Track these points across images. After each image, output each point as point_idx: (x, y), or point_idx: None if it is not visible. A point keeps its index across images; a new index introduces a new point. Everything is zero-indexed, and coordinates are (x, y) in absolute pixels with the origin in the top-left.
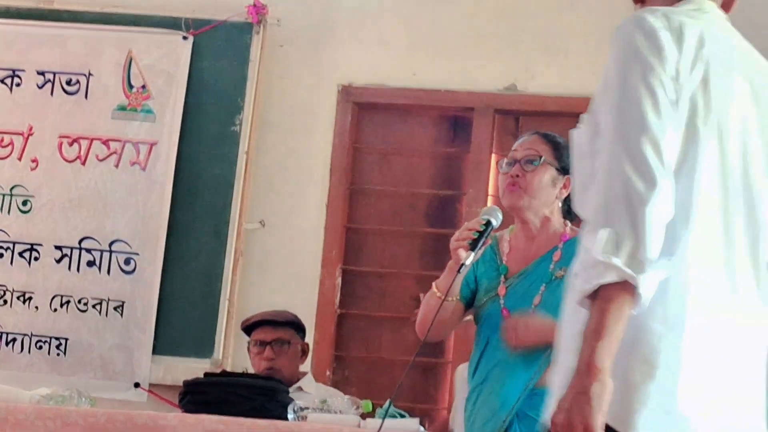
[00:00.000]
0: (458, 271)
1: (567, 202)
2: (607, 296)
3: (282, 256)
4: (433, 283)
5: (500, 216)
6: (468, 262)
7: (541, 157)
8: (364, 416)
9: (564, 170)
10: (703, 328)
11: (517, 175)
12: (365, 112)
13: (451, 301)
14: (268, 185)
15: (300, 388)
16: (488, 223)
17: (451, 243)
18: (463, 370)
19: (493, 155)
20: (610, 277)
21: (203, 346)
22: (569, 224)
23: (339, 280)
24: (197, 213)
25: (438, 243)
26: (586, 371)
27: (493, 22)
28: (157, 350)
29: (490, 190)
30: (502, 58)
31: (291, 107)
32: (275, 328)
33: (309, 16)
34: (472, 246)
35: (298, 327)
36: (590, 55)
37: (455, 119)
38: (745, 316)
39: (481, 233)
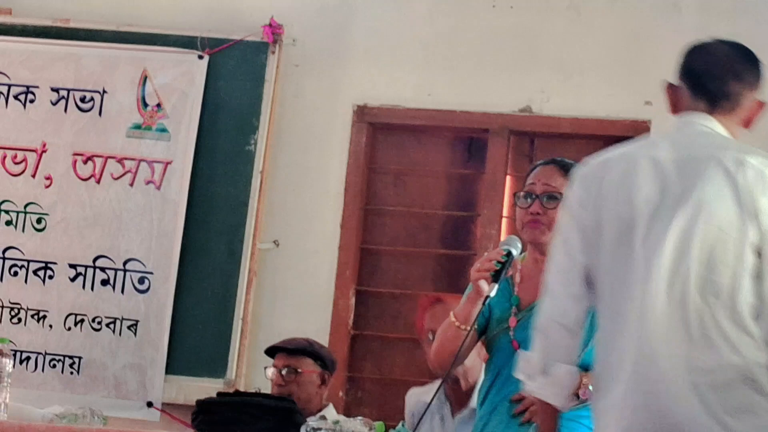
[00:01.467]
0: (484, 303)
1: None
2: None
3: (296, 276)
4: (451, 313)
5: (520, 246)
6: (492, 294)
7: (561, 194)
8: None
9: None
10: None
11: (538, 213)
12: (380, 132)
13: (470, 331)
14: (282, 205)
15: (323, 417)
16: (509, 254)
17: (472, 274)
18: (412, 394)
19: (508, 177)
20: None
21: (216, 366)
22: None
23: (353, 301)
24: (211, 232)
25: (452, 264)
26: None
27: (509, 43)
28: (170, 369)
29: (505, 212)
30: (518, 80)
31: (306, 127)
32: (288, 356)
33: (325, 37)
34: (495, 278)
35: (312, 355)
36: (605, 77)
37: (470, 140)
38: None
39: (503, 264)
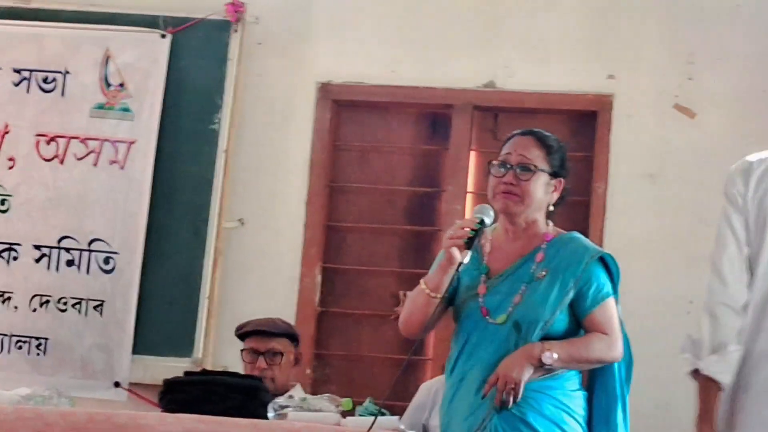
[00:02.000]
0: (457, 270)
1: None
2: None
3: (262, 255)
4: (421, 280)
5: (492, 214)
6: (466, 260)
7: (536, 165)
8: (344, 414)
9: (555, 174)
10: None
11: (512, 183)
12: (344, 109)
13: (440, 298)
14: (247, 184)
15: (291, 397)
16: (482, 222)
17: (444, 241)
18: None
19: (472, 152)
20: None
21: (183, 346)
22: (551, 224)
23: (319, 278)
24: (176, 212)
25: (417, 240)
26: None
27: (472, 19)
28: (137, 349)
29: (470, 187)
30: (481, 55)
31: (270, 105)
32: (269, 339)
33: (287, 14)
34: (468, 245)
35: (292, 337)
36: (568, 52)
37: (434, 116)
38: None
39: (476, 232)
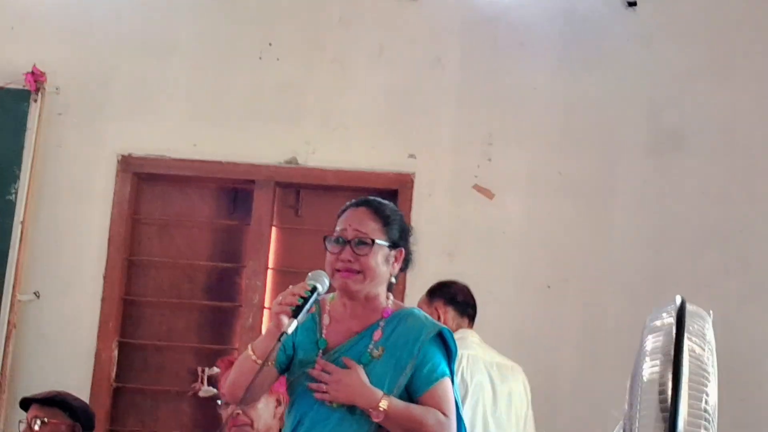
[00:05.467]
0: (279, 340)
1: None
2: None
3: (57, 329)
4: (249, 345)
5: (327, 282)
6: (290, 330)
7: (373, 241)
8: None
9: (395, 245)
10: None
11: (350, 260)
12: (145, 182)
13: (268, 366)
14: (44, 256)
15: None
16: (314, 289)
17: (273, 306)
18: None
19: (274, 228)
20: None
21: None
22: (392, 297)
23: (116, 353)
24: None
25: (217, 316)
26: None
27: (275, 96)
28: None
29: (271, 263)
30: (284, 132)
31: (69, 177)
32: (39, 407)
33: (89, 85)
34: (295, 313)
35: (63, 405)
36: (370, 130)
37: (236, 191)
38: None
39: (305, 300)
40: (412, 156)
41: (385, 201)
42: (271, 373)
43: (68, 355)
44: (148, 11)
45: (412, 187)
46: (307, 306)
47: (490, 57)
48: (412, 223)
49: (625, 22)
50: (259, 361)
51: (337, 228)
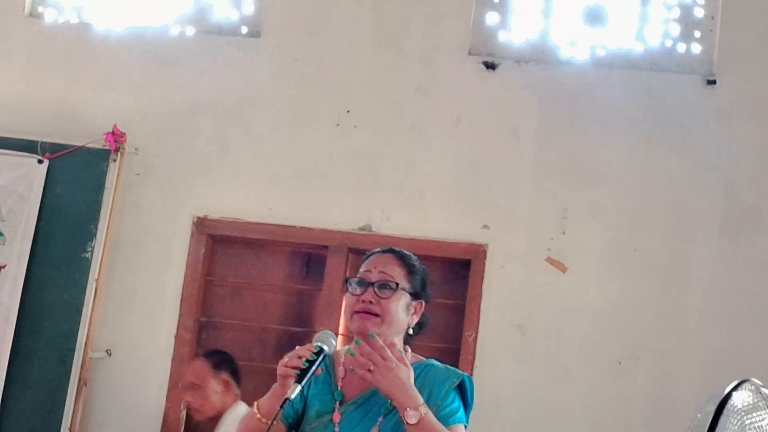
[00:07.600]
0: (282, 406)
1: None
2: None
3: (127, 387)
4: (255, 403)
5: (334, 343)
6: (292, 396)
7: (397, 284)
8: None
9: (416, 295)
10: None
11: (371, 302)
12: (219, 244)
13: (270, 424)
14: (116, 314)
15: None
16: (320, 351)
17: (279, 367)
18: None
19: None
20: None
21: None
22: (410, 350)
23: (184, 413)
24: (42, 339)
25: None
26: None
27: (351, 161)
28: None
29: (341, 329)
30: (359, 198)
31: (145, 236)
32: None
33: (167, 147)
34: (300, 377)
35: None
36: (444, 199)
37: (309, 256)
38: None
39: (311, 363)
40: (485, 227)
41: (410, 253)
42: (279, 429)
43: (137, 414)
44: (228, 74)
45: (485, 257)
46: (313, 369)
47: (567, 129)
48: (484, 295)
49: (705, 100)
50: (264, 420)
51: (361, 270)
